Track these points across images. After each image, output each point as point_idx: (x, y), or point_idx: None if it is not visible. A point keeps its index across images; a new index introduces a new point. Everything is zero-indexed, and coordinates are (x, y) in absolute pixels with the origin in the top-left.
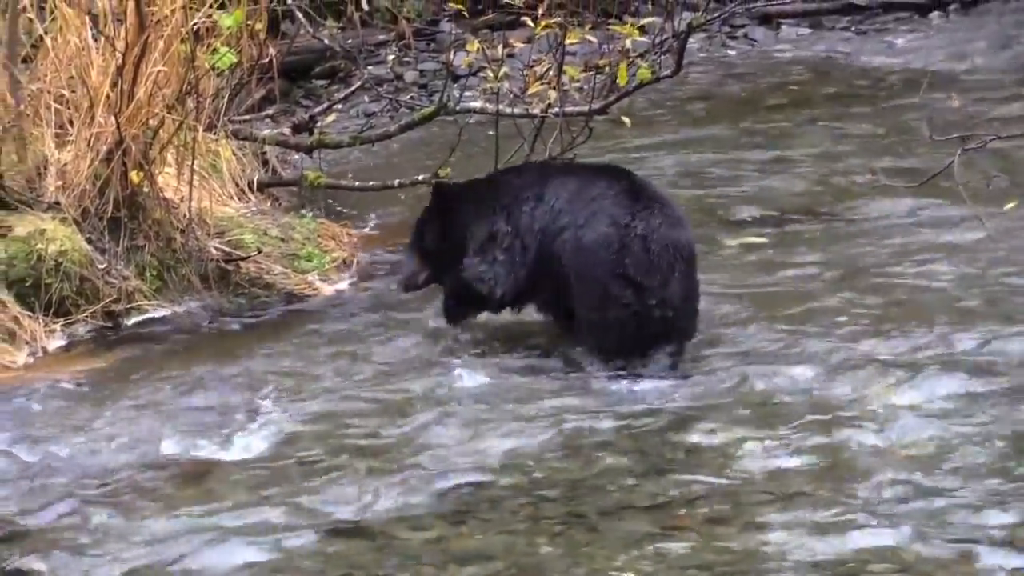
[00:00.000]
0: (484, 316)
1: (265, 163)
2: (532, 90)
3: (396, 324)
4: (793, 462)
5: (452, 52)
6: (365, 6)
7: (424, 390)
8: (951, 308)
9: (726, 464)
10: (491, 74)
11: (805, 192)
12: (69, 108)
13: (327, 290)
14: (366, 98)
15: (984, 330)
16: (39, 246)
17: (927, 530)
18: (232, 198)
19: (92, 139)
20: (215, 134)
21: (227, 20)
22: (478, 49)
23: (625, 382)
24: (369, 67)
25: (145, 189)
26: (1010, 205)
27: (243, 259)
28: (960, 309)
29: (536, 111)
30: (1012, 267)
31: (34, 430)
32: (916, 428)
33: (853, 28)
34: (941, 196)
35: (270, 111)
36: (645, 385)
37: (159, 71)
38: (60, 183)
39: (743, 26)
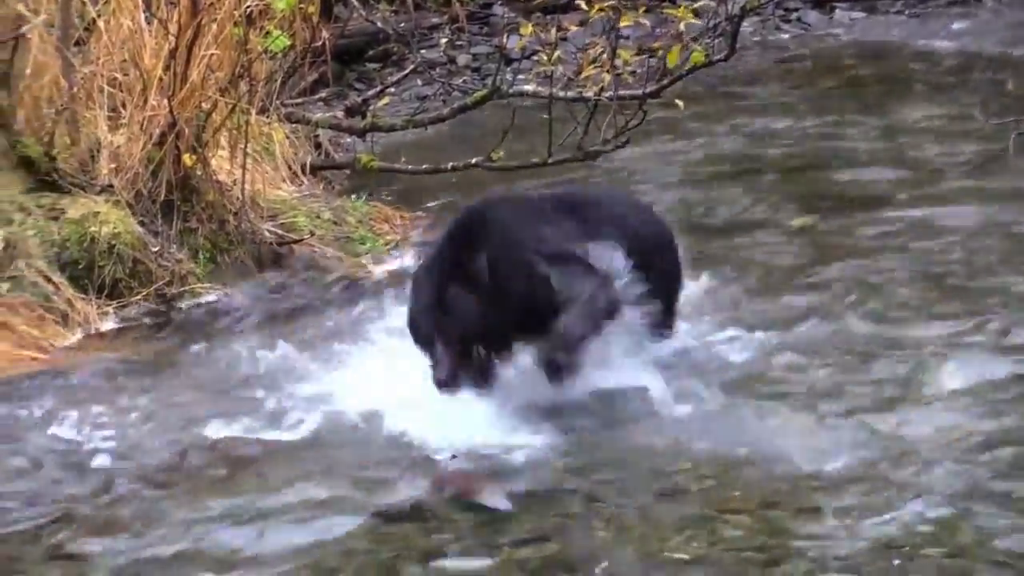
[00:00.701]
0: None
1: (318, 146)
2: (585, 73)
3: None
4: (844, 446)
5: (505, 35)
6: None
7: None
8: (1006, 291)
9: (777, 448)
10: (544, 57)
11: (859, 176)
12: (122, 91)
13: (380, 273)
14: (419, 81)
15: None
16: (92, 228)
17: (980, 514)
18: (285, 181)
19: (145, 122)
20: (268, 117)
21: (280, 3)
22: (531, 32)
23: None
24: (422, 50)
25: (198, 172)
26: None
27: (296, 242)
28: (1016, 293)
29: (589, 94)
30: None
31: (86, 411)
32: (969, 412)
33: (907, 12)
34: (996, 178)
35: (323, 94)
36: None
37: (212, 54)
38: (113, 166)
39: (796, 10)
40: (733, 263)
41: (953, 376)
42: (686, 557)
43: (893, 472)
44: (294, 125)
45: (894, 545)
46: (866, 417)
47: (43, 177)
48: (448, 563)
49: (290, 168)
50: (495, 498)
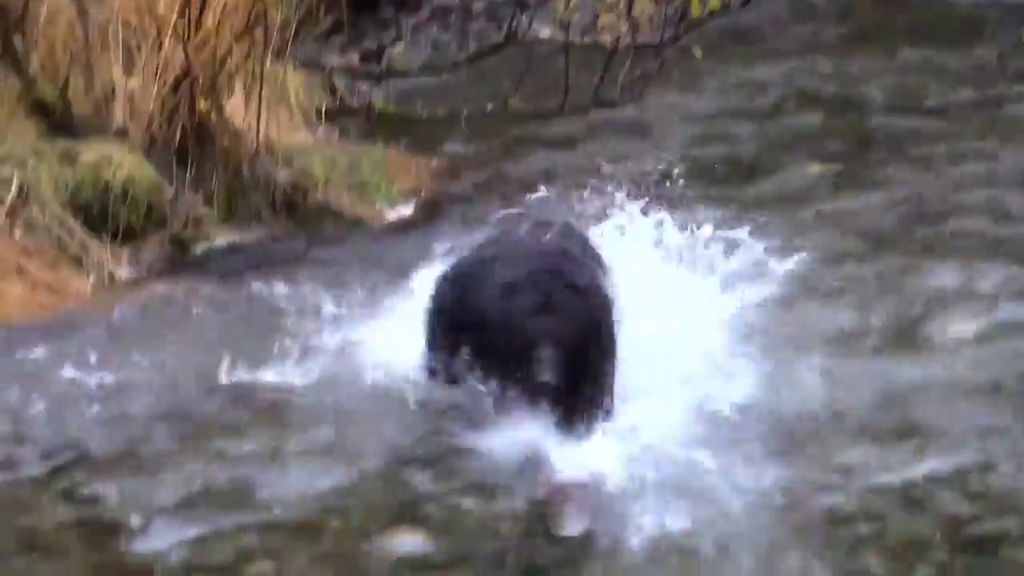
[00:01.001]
0: None
1: (333, 92)
2: (602, 21)
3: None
4: (857, 392)
5: None
6: None
7: None
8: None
9: (789, 394)
10: (560, 5)
11: (875, 124)
12: (137, 36)
13: (395, 219)
14: (435, 28)
15: None
16: (106, 173)
17: (994, 459)
18: (300, 127)
19: (160, 67)
20: (283, 63)
21: None
22: None
23: None
24: None
25: (213, 118)
26: None
27: (311, 188)
28: None
29: (606, 41)
30: None
31: (100, 356)
32: (981, 358)
33: None
34: (1014, 130)
35: (338, 40)
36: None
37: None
38: (128, 111)
39: None
40: (750, 206)
41: (964, 321)
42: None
43: (905, 418)
44: (309, 71)
45: (907, 489)
46: (877, 362)
47: (57, 122)
48: (464, 501)
49: (305, 114)
50: (572, 522)
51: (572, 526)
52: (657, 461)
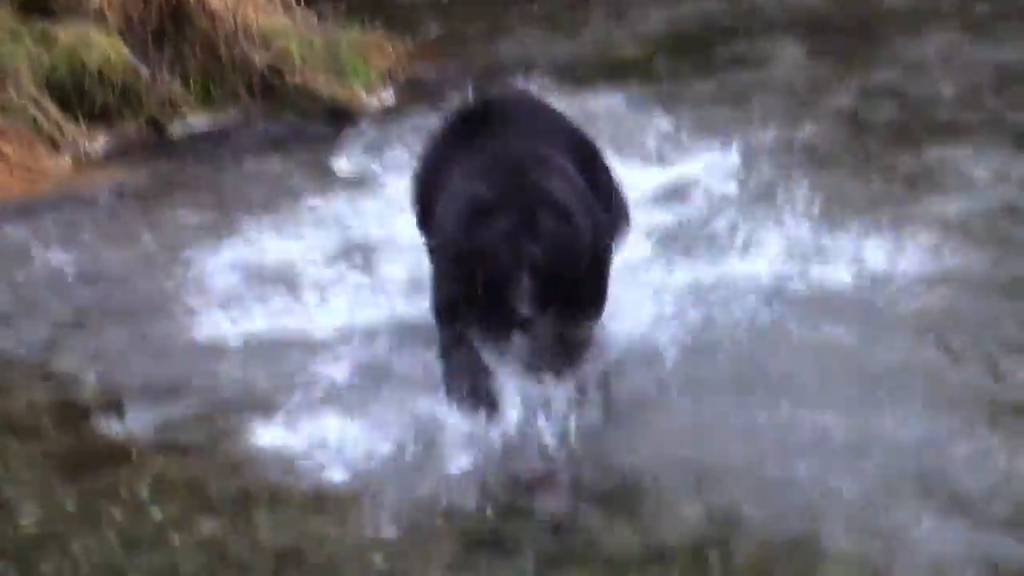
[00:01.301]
0: None
1: None
2: None
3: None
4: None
5: None
6: None
7: None
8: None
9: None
10: None
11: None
12: None
13: (372, 102)
14: None
15: None
16: (83, 54)
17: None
18: (277, 10)
19: None
20: None
21: None
22: None
23: None
24: None
25: (190, 0)
26: None
27: (288, 71)
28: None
29: None
30: None
31: (76, 237)
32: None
33: None
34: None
35: None
36: None
37: None
38: None
39: None
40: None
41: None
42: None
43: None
44: None
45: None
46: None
47: (34, 3)
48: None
49: None
50: (545, 504)
51: (550, 507)
52: None
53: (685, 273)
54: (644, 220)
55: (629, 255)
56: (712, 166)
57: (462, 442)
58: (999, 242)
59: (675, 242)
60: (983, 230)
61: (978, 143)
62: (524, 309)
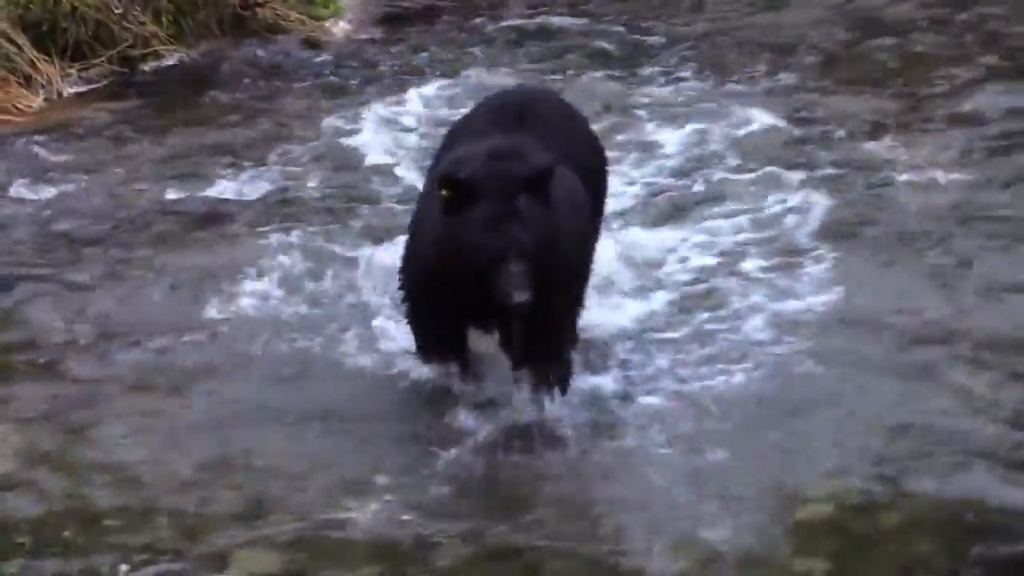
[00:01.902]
0: None
1: None
2: None
3: (410, 70)
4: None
5: None
6: None
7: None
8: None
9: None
10: None
11: None
12: None
13: (341, 35)
14: None
15: None
16: None
17: None
18: None
19: None
20: None
21: None
22: None
23: None
24: None
25: None
26: None
27: (259, 5)
28: None
29: None
30: None
31: (47, 174)
32: None
33: None
34: None
35: None
36: None
37: None
38: None
39: None
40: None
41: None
42: None
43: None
44: None
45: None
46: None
47: None
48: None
49: None
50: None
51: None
52: None
53: None
54: None
55: None
56: None
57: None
58: None
59: None
60: None
61: None
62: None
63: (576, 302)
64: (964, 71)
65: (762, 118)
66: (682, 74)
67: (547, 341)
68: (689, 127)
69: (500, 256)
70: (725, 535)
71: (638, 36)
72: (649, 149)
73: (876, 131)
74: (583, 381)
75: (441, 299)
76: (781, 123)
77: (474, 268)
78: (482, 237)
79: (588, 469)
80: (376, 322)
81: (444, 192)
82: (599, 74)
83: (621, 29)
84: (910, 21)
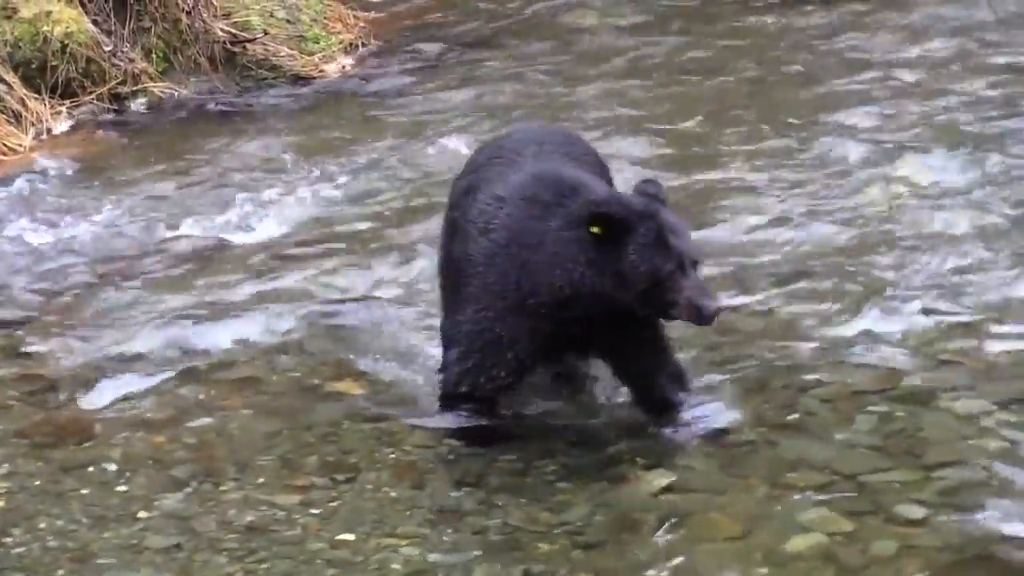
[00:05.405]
0: None
1: None
2: None
3: (398, 108)
4: None
5: None
6: None
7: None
8: None
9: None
10: None
11: None
12: None
13: (333, 73)
14: None
15: None
16: (45, 28)
17: None
18: None
19: None
20: None
21: None
22: None
23: None
24: None
25: None
26: None
27: (249, 41)
28: None
29: None
30: None
31: (42, 213)
32: None
33: None
34: None
35: None
36: None
37: None
38: None
39: None
40: None
41: None
42: None
43: None
44: None
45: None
46: None
47: None
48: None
49: None
50: None
51: None
52: None
53: None
54: None
55: None
56: None
57: None
58: None
59: None
60: None
61: None
62: None
63: None
64: None
65: None
66: None
67: (666, 348)
68: None
69: (676, 270)
70: None
71: None
72: None
73: None
74: None
75: (557, 334)
76: None
77: (647, 287)
78: (655, 256)
79: None
80: None
81: (595, 229)
82: None
83: None
84: None
